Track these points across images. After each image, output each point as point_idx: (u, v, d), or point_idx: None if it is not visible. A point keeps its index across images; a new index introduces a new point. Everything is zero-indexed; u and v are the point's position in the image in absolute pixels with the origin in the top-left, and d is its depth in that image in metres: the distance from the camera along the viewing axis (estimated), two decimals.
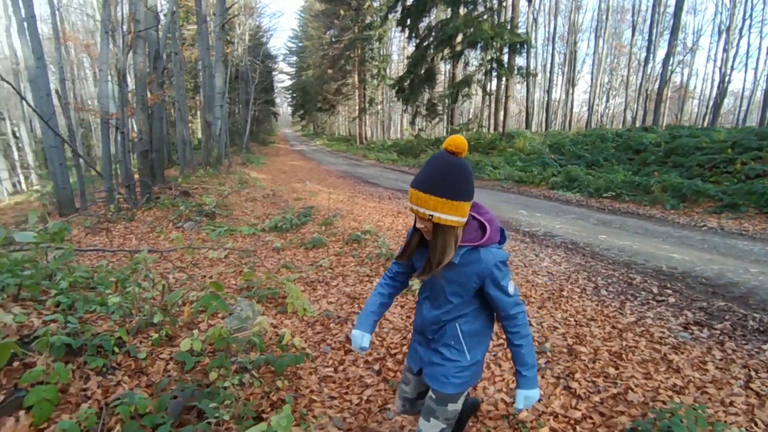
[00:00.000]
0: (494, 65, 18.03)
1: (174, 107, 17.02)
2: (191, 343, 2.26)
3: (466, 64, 20.39)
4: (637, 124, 24.21)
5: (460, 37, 18.15)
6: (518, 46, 17.55)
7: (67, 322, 2.40)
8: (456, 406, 1.60)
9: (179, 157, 15.40)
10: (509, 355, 3.06)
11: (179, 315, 2.95)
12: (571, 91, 32.65)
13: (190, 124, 19.38)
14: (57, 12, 14.01)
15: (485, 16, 17.60)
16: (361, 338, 1.64)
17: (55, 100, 10.27)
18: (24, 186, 23.08)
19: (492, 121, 22.60)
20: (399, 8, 21.63)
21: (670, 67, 20.39)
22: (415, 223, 1.46)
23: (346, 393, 2.76)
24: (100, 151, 22.99)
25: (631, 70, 32.16)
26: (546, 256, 5.49)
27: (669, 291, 4.22)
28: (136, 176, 9.50)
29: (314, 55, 39.66)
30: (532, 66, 27.52)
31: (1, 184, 19.70)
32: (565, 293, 4.18)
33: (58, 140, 9.18)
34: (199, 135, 23.39)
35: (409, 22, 20.71)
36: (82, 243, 6.33)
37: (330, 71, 34.91)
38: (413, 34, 21.05)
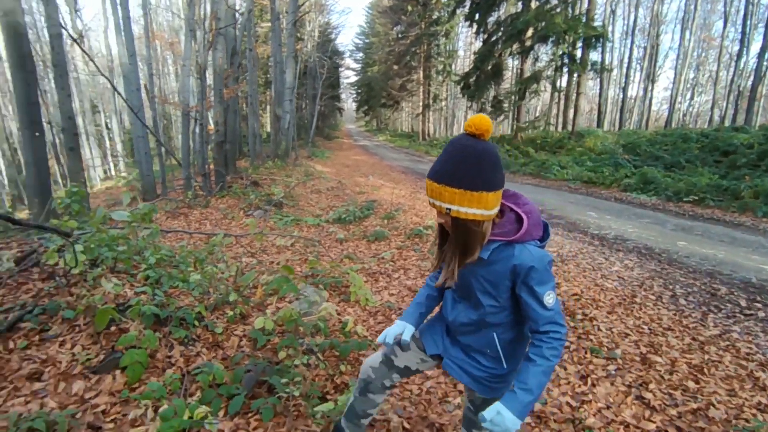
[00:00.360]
0: (566, 60, 17.26)
1: (246, 101, 17.88)
2: (264, 322, 2.39)
3: (536, 59, 19.65)
4: (727, 123, 22.20)
5: (530, 32, 17.50)
6: (593, 39, 16.64)
7: (154, 294, 2.62)
8: None
9: (250, 149, 16.16)
10: (575, 358, 2.95)
11: (251, 296, 3.11)
12: (650, 88, 30.50)
13: (260, 118, 20.27)
14: (148, 13, 15.15)
15: (558, 9, 16.84)
16: (402, 328, 1.46)
17: (143, 94, 11.14)
18: (113, 172, 25.29)
19: (560, 119, 21.64)
20: (467, 3, 21.24)
21: (765, 62, 18.47)
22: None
23: (407, 383, 2.78)
24: (178, 142, 24.66)
25: (722, 64, 29.54)
26: (617, 260, 5.22)
27: (759, 305, 3.86)
28: (211, 166, 10.10)
29: (380, 51, 39.97)
30: (607, 61, 25.98)
31: (94, 170, 21.69)
32: (638, 300, 3.95)
33: (144, 131, 9.96)
34: (268, 128, 24.39)
35: (477, 16, 20.27)
36: (163, 226, 6.84)
37: (395, 67, 35.01)
38: (481, 29, 20.58)
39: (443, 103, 37.32)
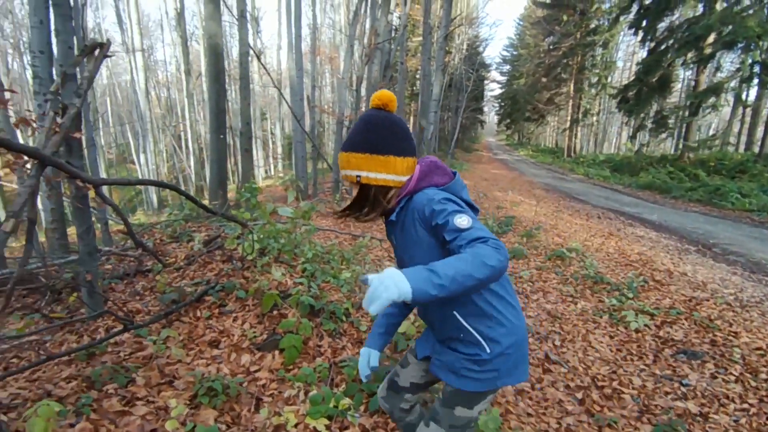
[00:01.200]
0: (757, 70, 14.60)
1: None
2: (407, 327, 2.45)
3: (717, 69, 17.00)
4: None
5: (711, 38, 15.24)
6: None
7: (310, 286, 2.86)
8: (467, 413, 1.24)
9: None
10: (755, 424, 2.46)
11: None
12: None
13: None
14: (315, 31, 16.87)
15: (752, 10, 14.33)
16: (368, 355, 1.44)
17: (305, 104, 12.38)
18: (273, 172, 28.61)
19: (743, 138, 18.36)
20: (633, 9, 19.33)
21: None
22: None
23: (544, 414, 2.61)
24: (328, 148, 26.84)
25: None
26: None
27: None
28: None
29: (528, 63, 38.64)
30: None
31: (258, 169, 24.77)
32: None
33: (303, 136, 11.05)
34: None
35: (645, 23, 18.33)
36: (315, 224, 7.49)
37: (543, 80, 33.46)
38: (648, 37, 18.53)
39: (594, 118, 34.45)
